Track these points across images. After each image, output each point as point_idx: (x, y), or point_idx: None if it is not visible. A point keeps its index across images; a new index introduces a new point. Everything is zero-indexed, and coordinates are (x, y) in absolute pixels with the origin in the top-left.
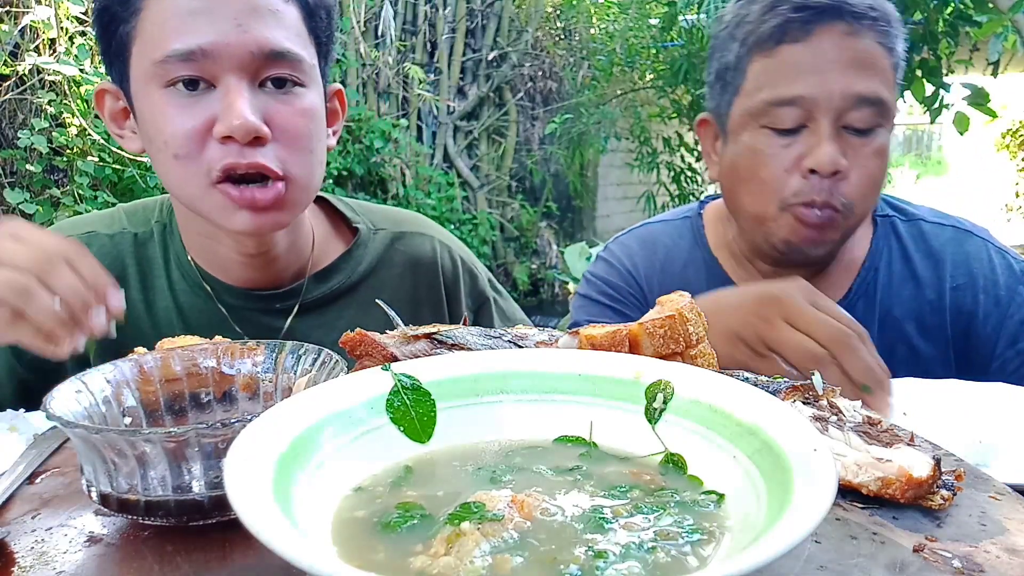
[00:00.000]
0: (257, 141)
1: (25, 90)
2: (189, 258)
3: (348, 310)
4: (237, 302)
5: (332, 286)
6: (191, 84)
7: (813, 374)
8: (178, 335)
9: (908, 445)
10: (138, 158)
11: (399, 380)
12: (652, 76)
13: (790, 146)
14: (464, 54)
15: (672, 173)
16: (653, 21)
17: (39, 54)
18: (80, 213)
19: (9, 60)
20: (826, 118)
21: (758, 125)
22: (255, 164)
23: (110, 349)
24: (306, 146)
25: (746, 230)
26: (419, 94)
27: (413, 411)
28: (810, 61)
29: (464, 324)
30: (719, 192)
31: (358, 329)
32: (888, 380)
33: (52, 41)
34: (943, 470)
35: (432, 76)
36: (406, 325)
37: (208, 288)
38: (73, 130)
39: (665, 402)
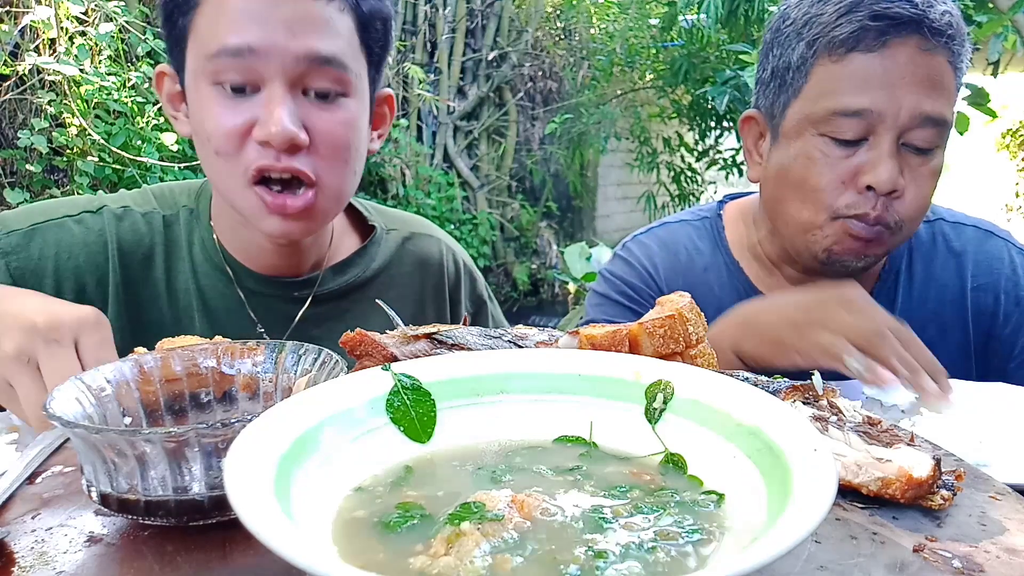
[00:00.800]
0: (294, 148)
1: (25, 90)
2: (215, 238)
3: (360, 304)
4: (257, 287)
5: (348, 279)
6: (237, 88)
7: (813, 374)
8: (196, 316)
9: (908, 445)
10: (138, 158)
11: (399, 380)
12: (652, 76)
13: (848, 158)
14: (464, 54)
15: (672, 173)
16: (653, 21)
17: (39, 54)
18: None
19: (9, 60)
20: (889, 134)
21: (816, 132)
22: (290, 168)
23: (129, 327)
24: (343, 156)
25: (786, 236)
26: (419, 94)
27: (413, 411)
28: (881, 74)
29: (464, 324)
30: (733, 193)
31: (358, 329)
32: (944, 372)
33: (52, 41)
34: (943, 470)
35: (432, 76)
36: (411, 323)
37: (230, 272)
38: (73, 130)
39: (665, 402)
